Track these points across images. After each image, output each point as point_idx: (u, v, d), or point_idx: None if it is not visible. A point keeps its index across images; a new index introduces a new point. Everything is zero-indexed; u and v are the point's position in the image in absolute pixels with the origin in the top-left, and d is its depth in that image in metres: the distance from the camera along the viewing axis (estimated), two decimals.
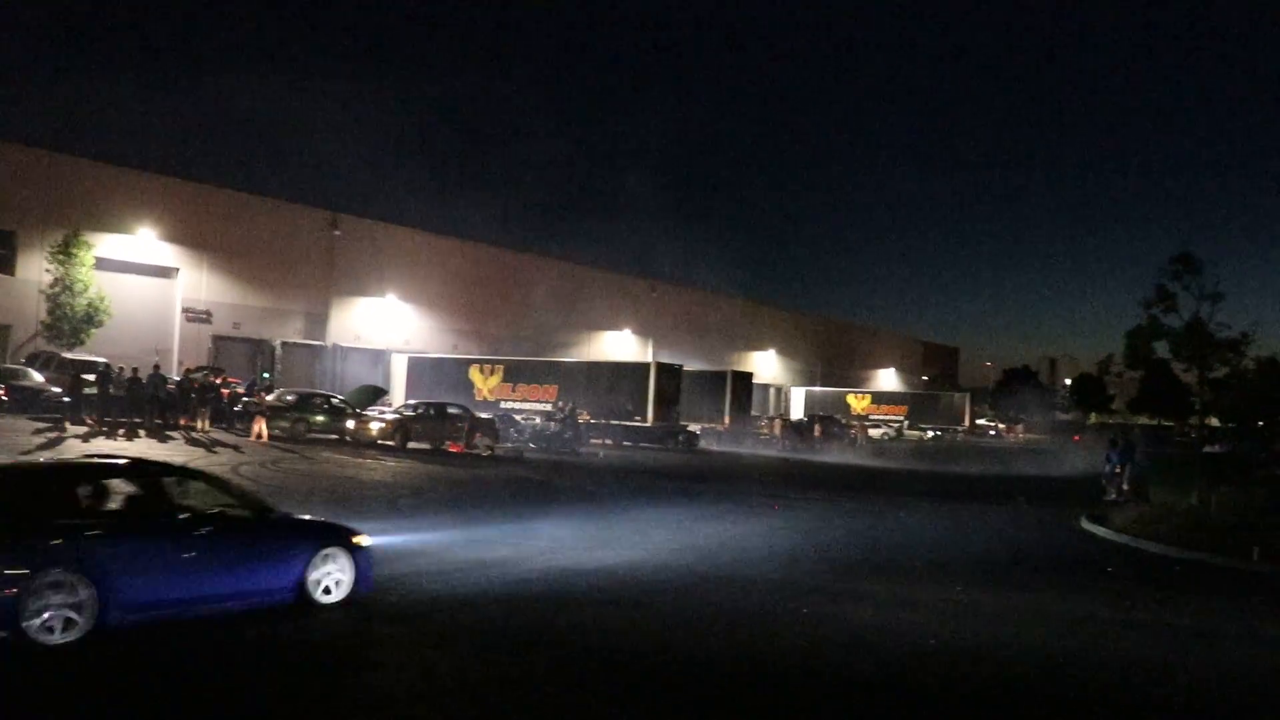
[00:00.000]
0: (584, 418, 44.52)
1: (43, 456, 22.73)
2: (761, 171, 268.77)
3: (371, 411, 38.04)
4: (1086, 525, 23.37)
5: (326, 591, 10.84)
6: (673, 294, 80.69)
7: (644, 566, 14.73)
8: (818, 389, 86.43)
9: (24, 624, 8.42)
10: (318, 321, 55.66)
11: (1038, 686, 9.38)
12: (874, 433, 74.14)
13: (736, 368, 65.03)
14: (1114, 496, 29.09)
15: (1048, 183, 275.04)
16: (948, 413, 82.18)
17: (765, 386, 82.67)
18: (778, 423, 61.50)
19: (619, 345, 73.41)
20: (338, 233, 56.47)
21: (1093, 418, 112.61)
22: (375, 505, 20.25)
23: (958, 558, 17.30)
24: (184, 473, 11.43)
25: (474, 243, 66.41)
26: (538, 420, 44.41)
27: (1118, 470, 30.11)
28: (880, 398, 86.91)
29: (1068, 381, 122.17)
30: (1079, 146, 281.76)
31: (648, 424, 47.46)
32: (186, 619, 9.67)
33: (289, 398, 37.20)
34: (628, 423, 47.58)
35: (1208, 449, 50.16)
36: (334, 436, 35.10)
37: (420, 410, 36.88)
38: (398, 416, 36.53)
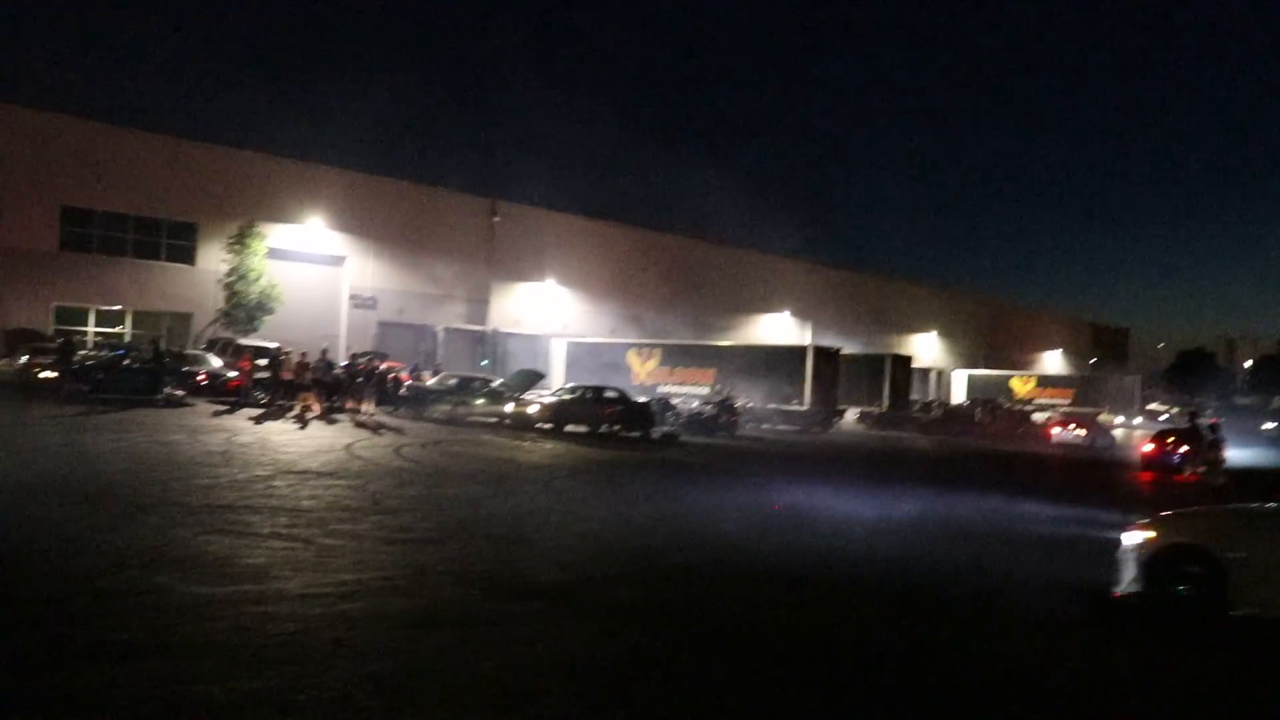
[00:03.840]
0: (740, 401, 44.43)
1: (221, 436, 23.72)
2: (924, 154, 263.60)
3: (529, 395, 38.62)
4: None
5: None
6: (831, 276, 79.89)
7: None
8: (979, 372, 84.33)
9: None
10: (479, 307, 56.93)
11: None
12: (1038, 417, 71.94)
13: (896, 350, 64.00)
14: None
15: (1221, 153, 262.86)
16: (1117, 396, 79.19)
17: (925, 370, 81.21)
18: (939, 407, 60.31)
19: (776, 327, 73.05)
20: (497, 219, 57.52)
21: (1276, 401, 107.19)
22: (531, 485, 20.57)
23: None
24: None
25: (631, 226, 66.91)
26: (694, 404, 44.49)
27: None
28: (1046, 381, 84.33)
29: (1248, 364, 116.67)
30: (1248, 112, 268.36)
31: (805, 408, 47.08)
32: None
33: (450, 381, 38.11)
34: (785, 406, 47.28)
35: None
36: (493, 419, 35.78)
37: (576, 394, 37.29)
38: (554, 400, 37.00)
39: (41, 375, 31.59)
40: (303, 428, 27.76)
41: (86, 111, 48.56)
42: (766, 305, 73.73)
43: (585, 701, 7.17)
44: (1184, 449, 30.99)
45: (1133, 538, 10.65)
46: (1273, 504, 10.92)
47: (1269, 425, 61.45)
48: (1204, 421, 30.91)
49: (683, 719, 7.00)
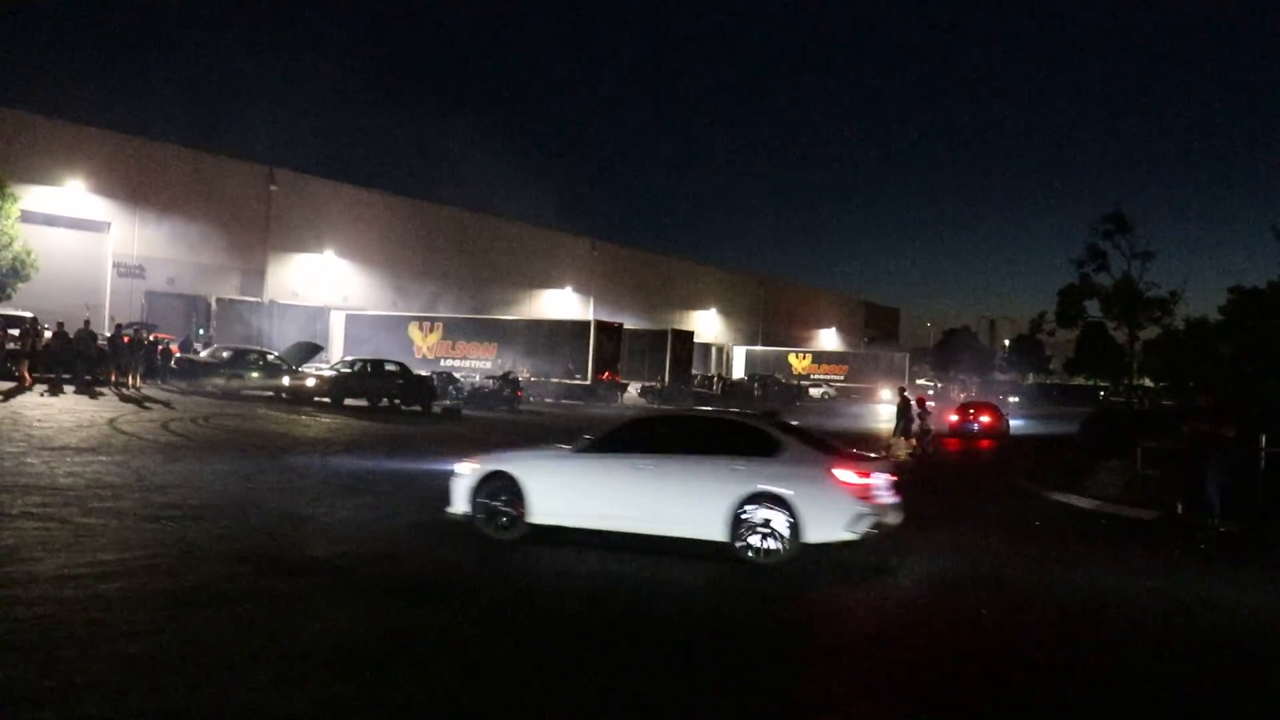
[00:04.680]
0: (524, 376, 44.49)
1: None
2: (705, 133, 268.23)
3: (308, 368, 37.69)
4: (1021, 481, 23.73)
5: None
6: (614, 253, 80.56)
7: None
8: (759, 348, 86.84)
9: None
10: (254, 278, 55.07)
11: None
12: (814, 391, 74.66)
13: (677, 327, 65.12)
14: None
15: (987, 141, 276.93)
16: (888, 372, 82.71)
17: (707, 346, 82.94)
18: (719, 382, 61.79)
19: (560, 303, 73.24)
20: (274, 188, 55.74)
21: (1030, 378, 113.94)
22: (306, 460, 20.10)
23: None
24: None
25: (414, 200, 65.88)
26: (477, 378, 44.29)
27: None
28: (821, 357, 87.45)
29: (1007, 342, 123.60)
30: (1018, 102, 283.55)
31: (587, 382, 47.46)
32: None
33: (224, 354, 36.82)
34: (568, 381, 47.57)
35: (1138, 408, 51.05)
36: (269, 393, 34.77)
37: (357, 367, 36.59)
38: (334, 373, 36.21)
39: None
40: (5, 399, 26.05)
41: None
42: (550, 281, 73.80)
43: (353, 678, 7.06)
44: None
45: (463, 468, 12.87)
46: (565, 446, 13.30)
47: (1014, 399, 67.14)
48: (911, 397, 32.47)
49: (447, 694, 6.97)
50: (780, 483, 11.45)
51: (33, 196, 44.65)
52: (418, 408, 34.87)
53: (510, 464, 12.53)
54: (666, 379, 55.04)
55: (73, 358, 32.09)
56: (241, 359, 36.19)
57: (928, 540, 14.24)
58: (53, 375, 31.46)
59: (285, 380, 35.17)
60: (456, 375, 44.33)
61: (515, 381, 41.57)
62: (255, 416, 28.10)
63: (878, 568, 12.22)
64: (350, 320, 53.55)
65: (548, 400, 45.59)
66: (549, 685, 7.24)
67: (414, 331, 52.31)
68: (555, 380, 47.38)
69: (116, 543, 11.01)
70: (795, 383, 74.44)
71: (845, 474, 11.57)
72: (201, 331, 46.05)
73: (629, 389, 52.39)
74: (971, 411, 41.46)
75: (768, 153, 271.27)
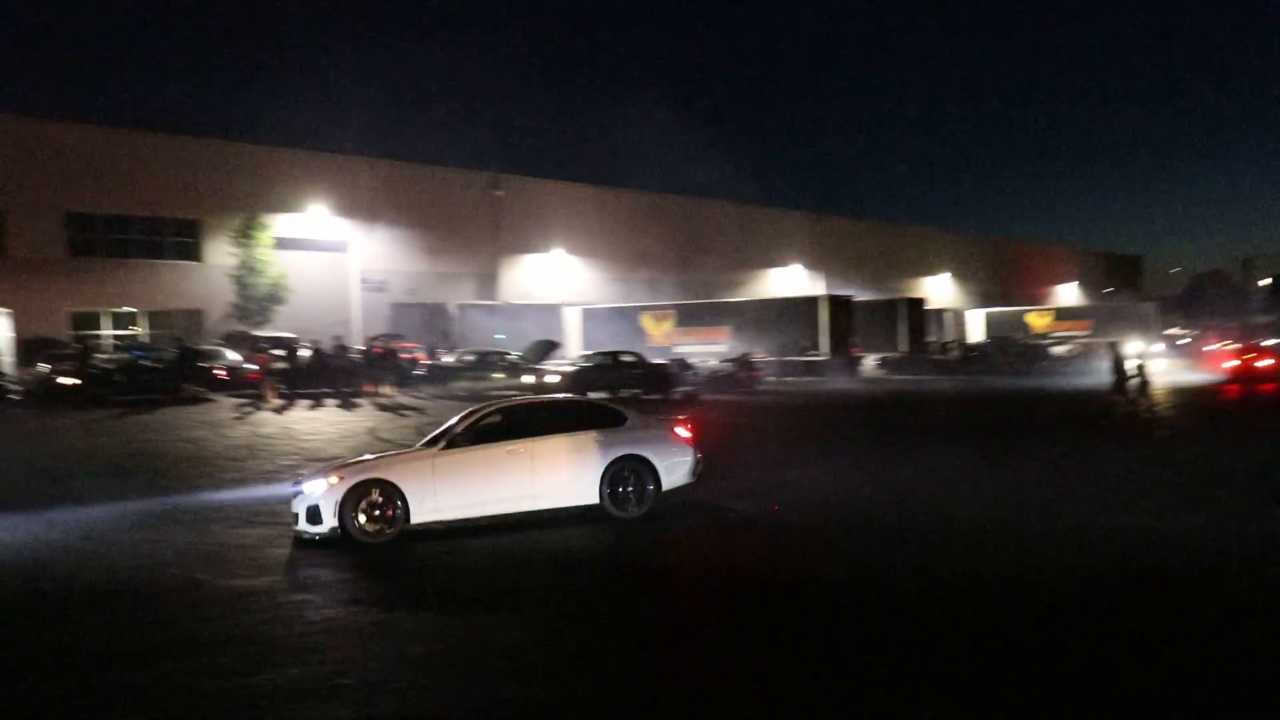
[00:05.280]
0: (758, 356, 44.27)
1: (243, 429, 23.75)
2: (927, 96, 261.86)
3: (547, 364, 38.58)
4: None
5: None
6: (838, 226, 79.65)
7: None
8: (996, 310, 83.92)
9: None
10: (488, 282, 56.88)
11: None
12: (1058, 350, 71.55)
13: (908, 294, 63.72)
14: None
15: (1228, 67, 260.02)
16: (1135, 323, 78.47)
17: (940, 311, 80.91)
18: (957, 347, 60.01)
19: (788, 280, 72.84)
20: (499, 193, 57.36)
21: None
22: None
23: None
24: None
25: (633, 190, 66.69)
26: (713, 362, 44.38)
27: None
28: (1063, 314, 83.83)
29: (1268, 281, 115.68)
30: (1264, 24, 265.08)
31: (824, 357, 46.92)
32: None
33: (468, 357, 38.15)
34: (802, 357, 47.13)
35: None
36: (514, 392, 35.72)
37: (594, 360, 37.19)
38: (573, 368, 36.91)
39: (61, 381, 31.53)
40: (256, 411, 27.68)
41: (81, 115, 48.48)
42: (776, 260, 73.50)
43: (633, 678, 7.12)
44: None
45: (319, 485, 12.18)
46: (418, 447, 13.25)
47: (1273, 342, 62.72)
48: (1128, 350, 30.93)
49: (723, 692, 6.95)
50: (639, 445, 13.52)
51: (282, 224, 47.45)
52: (658, 396, 35.18)
53: (382, 471, 12.36)
54: (904, 348, 53.78)
55: (330, 372, 33.78)
56: (485, 361, 37.50)
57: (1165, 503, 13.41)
58: (313, 390, 33.19)
59: (528, 378, 36.13)
60: (691, 360, 44.49)
61: (751, 362, 41.45)
62: None
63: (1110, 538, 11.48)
64: (586, 315, 54.52)
65: (788, 379, 45.18)
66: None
67: (646, 320, 52.85)
68: (790, 358, 46.98)
69: (392, 546, 11.49)
70: (1035, 342, 71.55)
71: (683, 431, 14.12)
72: (447, 337, 47.82)
73: (866, 361, 51.52)
74: (1250, 355, 40.09)
75: (993, 108, 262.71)
